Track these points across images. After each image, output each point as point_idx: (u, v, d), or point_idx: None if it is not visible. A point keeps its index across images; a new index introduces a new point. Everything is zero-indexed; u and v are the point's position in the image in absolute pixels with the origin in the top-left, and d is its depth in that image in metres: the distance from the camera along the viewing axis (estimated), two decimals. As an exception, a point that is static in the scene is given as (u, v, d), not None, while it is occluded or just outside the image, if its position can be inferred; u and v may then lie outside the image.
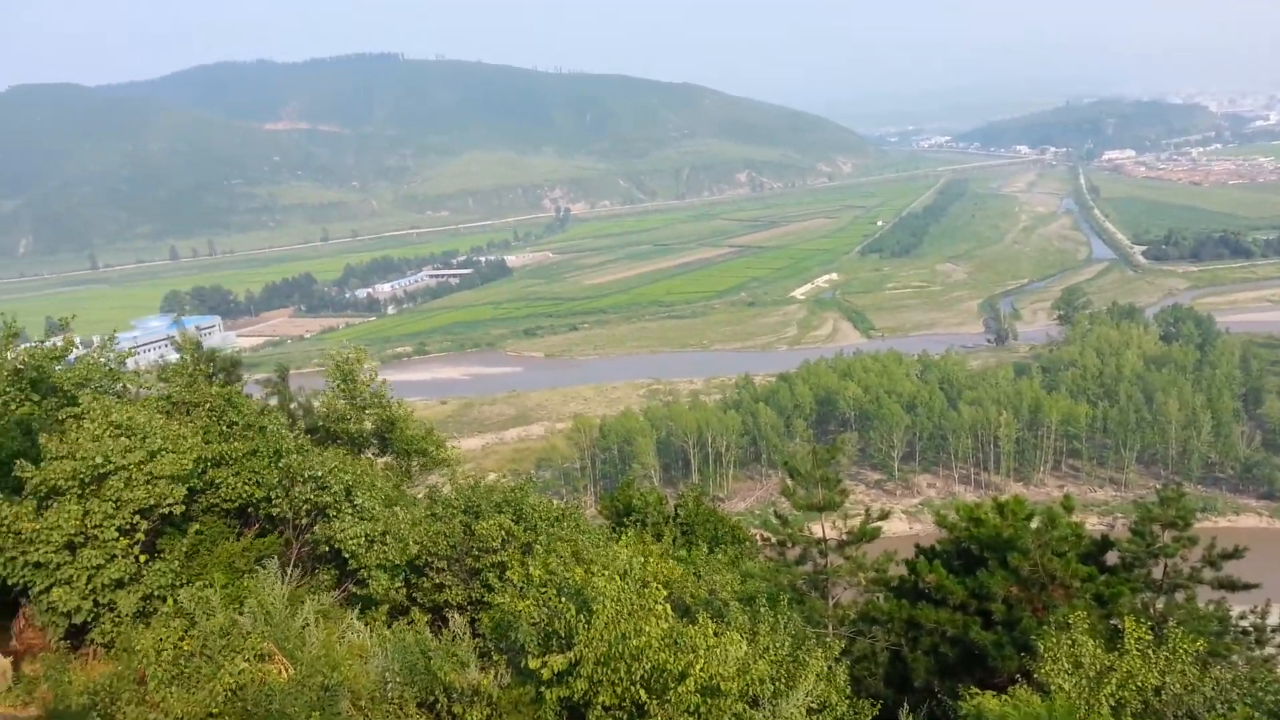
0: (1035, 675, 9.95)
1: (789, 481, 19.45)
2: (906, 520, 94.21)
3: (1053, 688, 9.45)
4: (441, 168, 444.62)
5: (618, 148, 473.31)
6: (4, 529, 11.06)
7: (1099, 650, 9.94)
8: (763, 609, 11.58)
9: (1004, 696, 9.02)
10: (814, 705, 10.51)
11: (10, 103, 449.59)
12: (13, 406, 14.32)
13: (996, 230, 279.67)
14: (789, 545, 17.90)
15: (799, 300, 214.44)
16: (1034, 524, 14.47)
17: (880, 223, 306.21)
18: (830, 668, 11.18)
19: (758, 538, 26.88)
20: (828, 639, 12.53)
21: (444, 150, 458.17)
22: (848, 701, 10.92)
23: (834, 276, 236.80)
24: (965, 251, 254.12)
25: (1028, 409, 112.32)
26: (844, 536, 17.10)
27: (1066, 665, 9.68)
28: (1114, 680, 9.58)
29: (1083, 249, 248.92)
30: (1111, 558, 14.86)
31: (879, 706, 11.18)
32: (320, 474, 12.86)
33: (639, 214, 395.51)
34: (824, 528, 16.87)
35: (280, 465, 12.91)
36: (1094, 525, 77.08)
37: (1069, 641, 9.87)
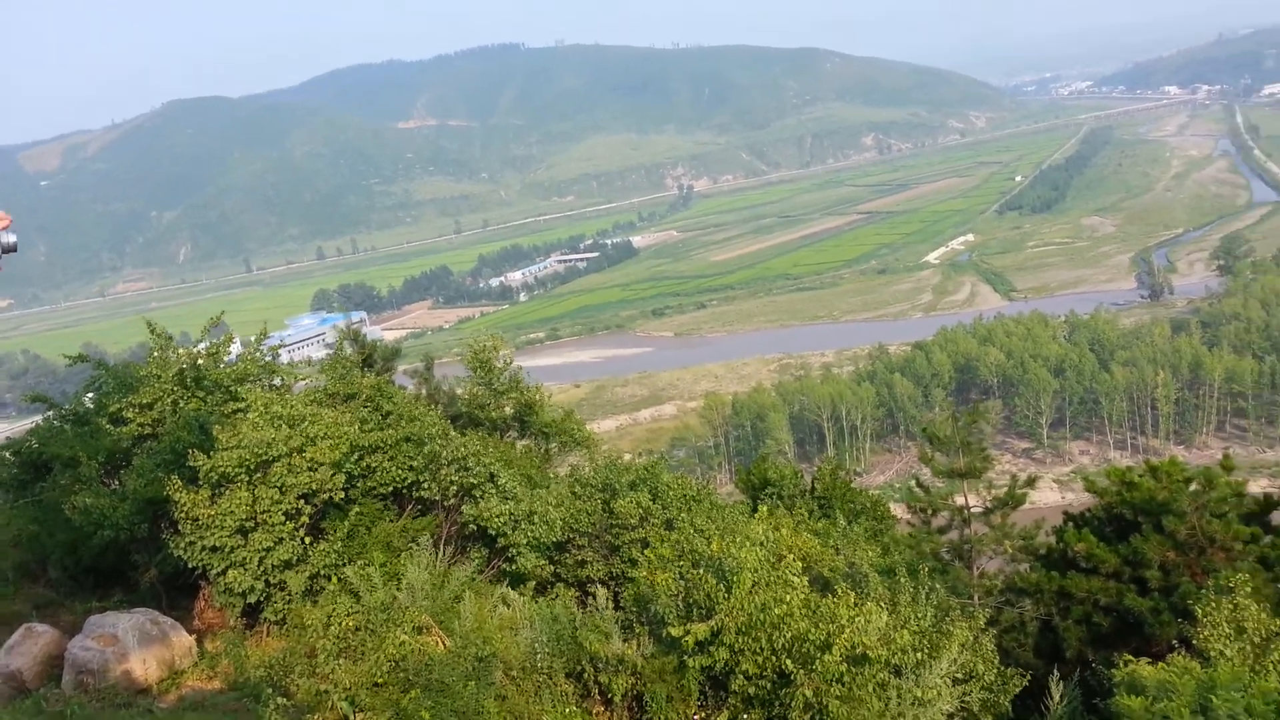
0: (1194, 642, 9.49)
1: (928, 448, 19.09)
2: (1058, 489, 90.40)
3: (1213, 654, 9.00)
4: (565, 153, 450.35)
5: (738, 120, 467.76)
6: (184, 515, 11.96)
7: (1264, 615, 9.41)
8: (902, 579, 11.43)
9: (1161, 665, 8.64)
10: (960, 675, 10.34)
11: (165, 118, 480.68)
12: (181, 404, 15.50)
13: (1146, 178, 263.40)
14: (931, 513, 17.59)
15: (933, 265, 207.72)
16: (1192, 486, 13.72)
17: (1018, 178, 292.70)
18: (976, 638, 10.96)
19: (897, 511, 26.45)
20: (973, 609, 12.28)
21: (567, 136, 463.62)
22: (995, 670, 10.69)
23: (970, 238, 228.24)
24: (1113, 203, 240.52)
25: (1187, 367, 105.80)
26: (988, 504, 16.69)
27: (1228, 631, 9.17)
28: (1281, 646, 9.07)
29: (1242, 193, 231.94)
30: (1278, 519, 13.93)
31: (1028, 677, 10.88)
32: (463, 456, 13.43)
33: (763, 186, 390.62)
34: (965, 495, 16.51)
35: (425, 451, 13.53)
36: (1264, 487, 72.01)
37: (1230, 606, 9.36)
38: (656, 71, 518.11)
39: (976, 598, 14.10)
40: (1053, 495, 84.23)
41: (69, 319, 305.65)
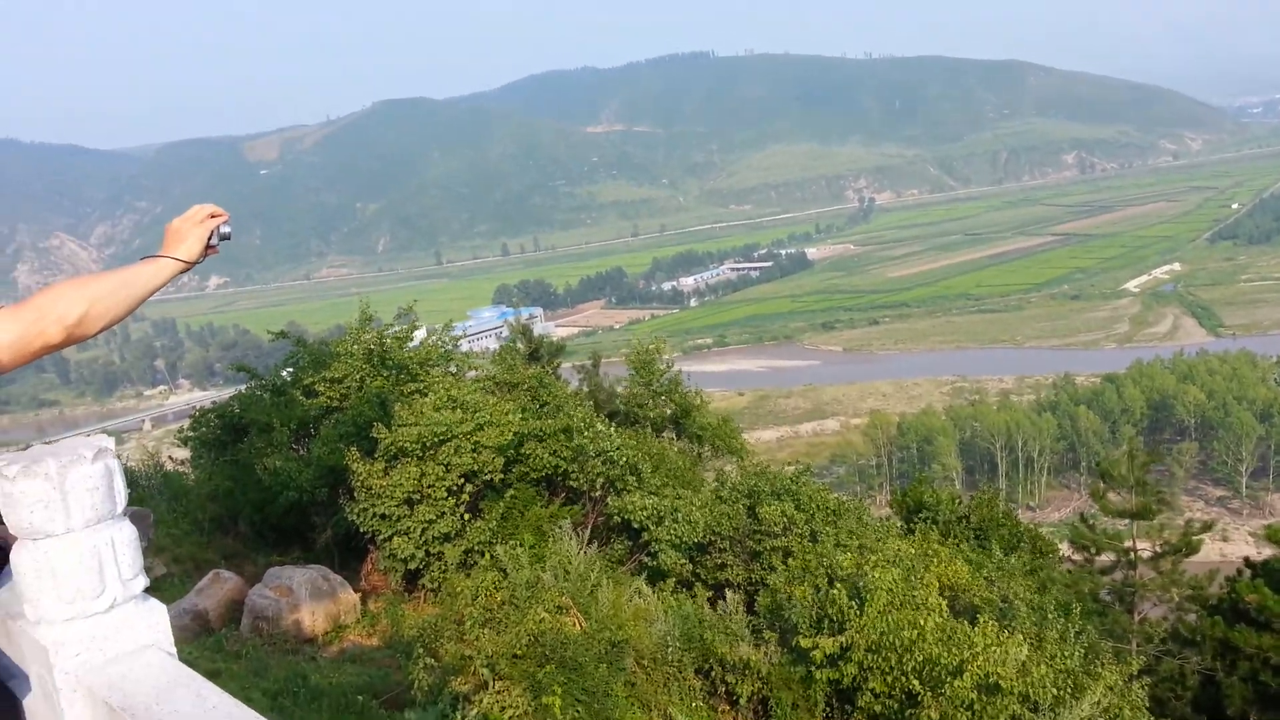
0: (1371, 715, 8.72)
1: (1101, 485, 18.19)
2: (1253, 544, 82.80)
3: (1390, 730, 8.26)
4: (745, 161, 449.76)
5: (928, 133, 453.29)
6: (359, 484, 12.98)
7: None
8: (1051, 616, 11.03)
9: (1327, 733, 8.01)
10: (1104, 719, 9.91)
11: (374, 117, 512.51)
12: (368, 381, 16.73)
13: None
14: (1095, 552, 16.77)
15: (1132, 293, 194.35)
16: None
17: (1235, 205, 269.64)
18: (1127, 682, 10.46)
19: (1066, 550, 25.21)
20: (1127, 654, 11.69)
21: (749, 144, 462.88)
22: (1145, 719, 10.18)
23: (1176, 267, 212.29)
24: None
25: None
26: (1159, 548, 15.76)
27: None
28: None
29: None
30: None
31: (1180, 729, 10.29)
32: (608, 449, 13.91)
33: (949, 202, 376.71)
34: (1134, 537, 15.64)
35: (573, 444, 14.11)
36: None
37: None
38: (844, 82, 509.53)
39: (1135, 643, 13.35)
40: (1247, 549, 77.23)
41: (277, 299, 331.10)
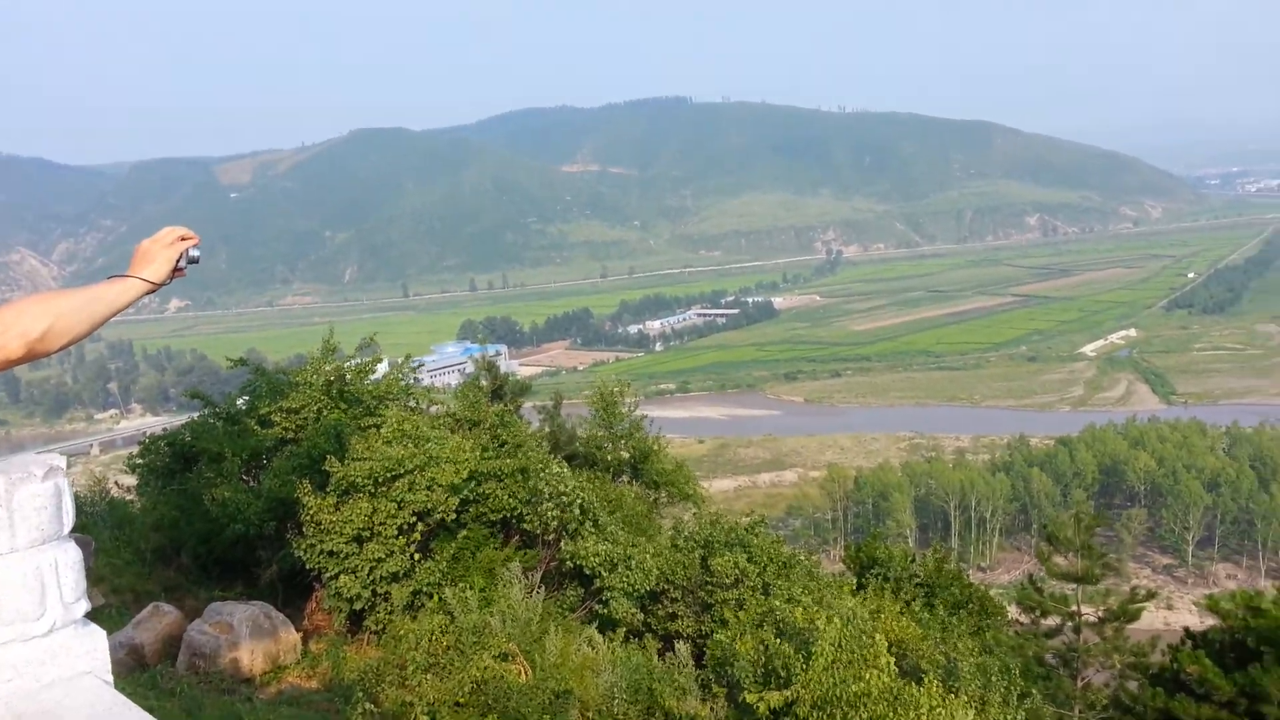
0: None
1: (1046, 547, 18.42)
2: (1196, 614, 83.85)
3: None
4: (718, 208, 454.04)
5: (897, 189, 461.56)
6: (309, 518, 12.76)
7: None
8: (994, 679, 11.10)
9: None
10: (1042, 786, 9.95)
11: (350, 145, 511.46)
12: (325, 413, 16.53)
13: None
14: (1041, 615, 16.92)
15: (1088, 357, 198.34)
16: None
17: (1191, 274, 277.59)
18: (1066, 750, 10.52)
19: (1014, 612, 25.38)
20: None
21: (723, 190, 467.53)
22: (1082, 788, 10.23)
23: (1131, 333, 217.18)
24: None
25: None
26: (1103, 614, 15.94)
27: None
28: None
29: None
30: None
31: (1116, 798, 10.35)
32: (562, 491, 13.84)
33: (915, 258, 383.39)
34: (1079, 601, 15.82)
35: (529, 485, 14.03)
36: None
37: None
38: (819, 134, 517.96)
39: (1078, 709, 13.45)
40: (1190, 618, 78.12)
41: (238, 325, 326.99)
